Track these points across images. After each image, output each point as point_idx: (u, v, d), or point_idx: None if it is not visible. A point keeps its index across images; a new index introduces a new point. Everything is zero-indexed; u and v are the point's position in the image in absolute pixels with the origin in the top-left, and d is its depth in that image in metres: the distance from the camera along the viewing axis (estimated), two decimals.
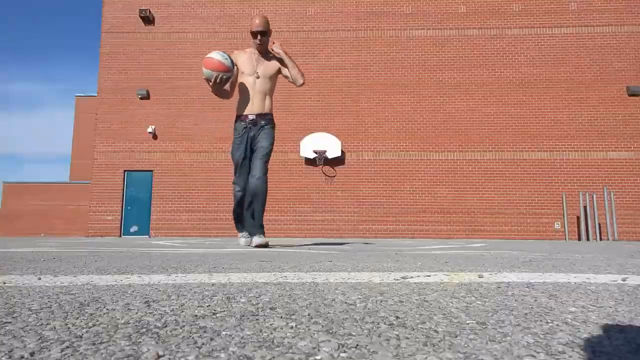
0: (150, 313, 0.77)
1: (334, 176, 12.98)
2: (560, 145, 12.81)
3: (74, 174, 27.04)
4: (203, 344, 0.57)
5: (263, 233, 4.00)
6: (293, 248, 3.82)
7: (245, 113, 4.08)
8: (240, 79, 4.13)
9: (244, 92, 4.11)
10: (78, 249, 3.53)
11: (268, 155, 4.05)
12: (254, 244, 3.89)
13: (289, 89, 13.63)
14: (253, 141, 4.07)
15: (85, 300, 0.91)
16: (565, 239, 12.13)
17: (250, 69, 4.10)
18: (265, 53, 4.19)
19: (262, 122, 4.08)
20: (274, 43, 4.13)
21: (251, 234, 4.05)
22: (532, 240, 10.52)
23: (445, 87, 13.30)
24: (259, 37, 4.07)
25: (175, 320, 0.72)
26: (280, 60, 4.18)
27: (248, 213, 4.03)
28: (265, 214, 4.20)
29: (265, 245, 3.90)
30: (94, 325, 0.68)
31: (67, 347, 0.55)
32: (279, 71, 4.20)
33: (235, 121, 4.17)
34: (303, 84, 4.16)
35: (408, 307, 0.85)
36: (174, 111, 13.64)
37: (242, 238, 4.29)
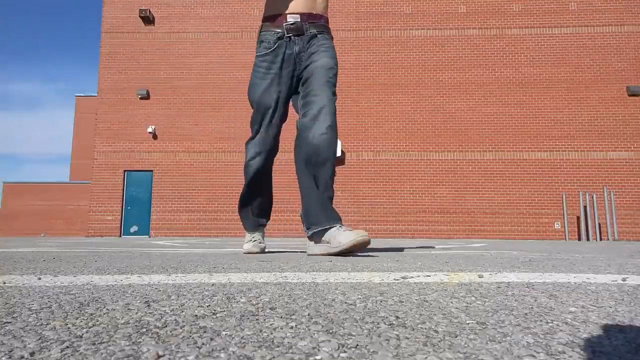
0: (150, 313, 0.77)
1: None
2: (560, 145, 12.82)
3: (74, 174, 27.05)
4: (203, 344, 0.57)
5: (341, 221, 2.27)
6: (300, 249, 3.82)
7: (281, 12, 2.32)
8: None
9: None
10: (78, 249, 3.53)
11: (335, 82, 2.35)
12: (341, 246, 2.10)
13: None
14: (298, 64, 2.34)
15: (85, 300, 0.91)
16: (565, 239, 12.13)
17: None
18: None
19: (314, 30, 2.34)
20: None
21: (319, 225, 2.24)
22: (532, 240, 10.52)
23: (445, 87, 13.30)
24: None
25: (175, 320, 0.72)
26: None
27: (312, 193, 2.31)
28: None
29: (360, 247, 2.14)
30: (94, 325, 0.68)
31: (67, 347, 0.55)
32: None
33: (261, 30, 2.41)
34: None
35: (408, 307, 0.85)
36: (174, 111, 13.64)
37: (251, 242, 2.58)
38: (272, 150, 2.41)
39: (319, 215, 2.21)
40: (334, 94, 2.33)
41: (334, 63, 2.35)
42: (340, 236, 2.08)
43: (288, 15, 2.28)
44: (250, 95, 2.38)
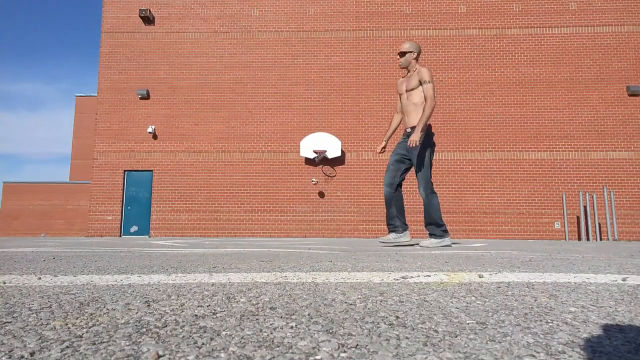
0: (150, 313, 0.77)
1: (334, 176, 12.98)
2: (560, 145, 12.82)
3: (74, 174, 27.05)
4: (203, 343, 0.57)
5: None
6: (300, 249, 3.82)
7: (406, 127, 4.78)
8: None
9: (403, 107, 4.85)
10: (78, 249, 3.52)
11: (424, 172, 4.59)
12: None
13: (289, 89, 13.66)
14: (407, 150, 4.69)
15: (85, 300, 0.91)
16: (565, 238, 12.13)
17: (400, 90, 4.89)
18: (408, 73, 4.83)
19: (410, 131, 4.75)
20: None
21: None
22: (532, 240, 10.52)
23: (445, 87, 13.30)
24: (398, 57, 4.84)
25: (175, 320, 0.72)
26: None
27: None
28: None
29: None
30: (94, 325, 0.68)
31: (67, 347, 0.55)
32: (419, 83, 4.68)
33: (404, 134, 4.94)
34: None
35: (408, 307, 0.85)
36: (174, 111, 13.64)
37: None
38: (391, 185, 4.75)
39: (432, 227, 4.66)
40: (426, 181, 4.62)
41: (419, 160, 4.62)
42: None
43: (407, 128, 4.74)
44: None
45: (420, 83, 4.62)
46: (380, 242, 4.60)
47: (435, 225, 4.50)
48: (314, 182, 12.82)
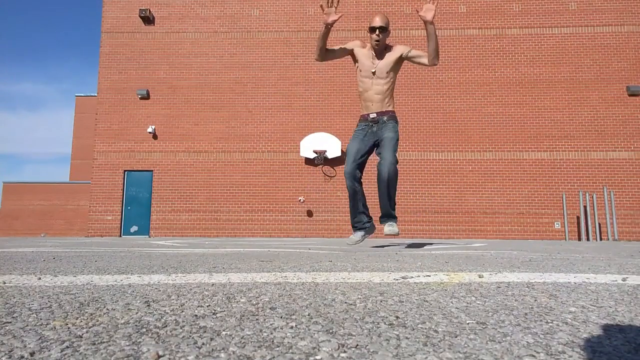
0: (150, 313, 0.77)
1: (334, 176, 12.98)
2: (560, 145, 12.81)
3: (74, 174, 27.04)
4: (203, 344, 0.57)
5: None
6: (300, 249, 3.82)
7: (366, 112, 4.06)
8: (358, 77, 4.10)
9: (363, 92, 4.07)
10: (78, 249, 3.52)
11: (396, 145, 3.92)
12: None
13: (289, 89, 13.65)
14: (376, 137, 4.02)
15: (85, 300, 0.91)
16: (565, 238, 12.13)
17: (368, 67, 4.01)
18: (381, 51, 4.02)
19: (384, 118, 4.00)
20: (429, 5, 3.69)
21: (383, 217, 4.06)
22: (532, 240, 10.52)
23: (445, 87, 13.30)
24: (377, 32, 3.90)
25: (175, 320, 0.72)
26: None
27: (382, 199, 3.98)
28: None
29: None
30: (94, 325, 0.68)
31: (67, 347, 0.55)
32: (399, 62, 3.99)
33: (358, 122, 4.18)
34: (435, 64, 3.87)
35: (408, 307, 0.85)
36: (174, 111, 13.64)
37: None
38: (355, 177, 4.09)
39: (391, 209, 3.98)
40: (394, 151, 3.90)
41: (394, 136, 3.96)
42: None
43: (370, 114, 4.06)
44: (348, 146, 4.16)
45: (402, 57, 3.93)
46: (349, 244, 4.12)
47: (392, 209, 3.97)
48: (300, 201, 12.82)
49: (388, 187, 3.87)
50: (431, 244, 5.75)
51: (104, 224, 13.22)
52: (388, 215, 3.97)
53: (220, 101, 13.62)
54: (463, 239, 12.03)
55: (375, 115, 4.00)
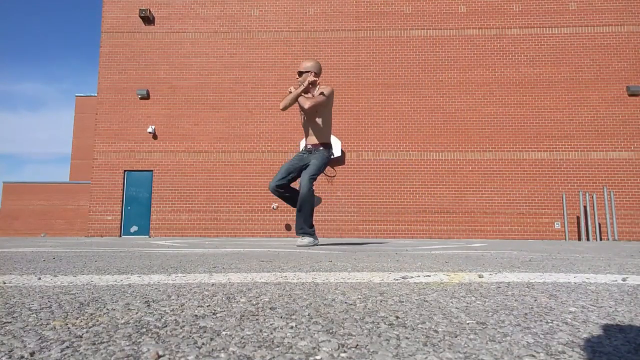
0: (150, 313, 0.77)
1: (334, 176, 12.98)
2: (560, 145, 12.82)
3: (74, 174, 27.04)
4: (203, 344, 0.57)
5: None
6: (299, 248, 3.82)
7: (306, 145, 4.95)
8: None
9: (304, 126, 5.01)
10: (78, 249, 3.52)
11: (315, 172, 4.66)
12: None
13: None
14: (306, 160, 4.81)
15: (85, 300, 0.91)
16: (565, 238, 12.13)
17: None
18: (306, 92, 4.84)
19: (313, 149, 4.86)
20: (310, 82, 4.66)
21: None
22: (532, 240, 10.52)
23: (445, 87, 13.30)
24: (297, 76, 4.84)
25: (175, 320, 0.72)
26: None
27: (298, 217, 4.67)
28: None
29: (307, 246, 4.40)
30: (94, 325, 0.68)
31: (67, 347, 0.55)
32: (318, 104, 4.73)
33: (302, 148, 5.06)
34: (306, 109, 4.70)
35: (408, 307, 0.85)
36: (174, 111, 13.64)
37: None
38: (279, 190, 4.75)
39: (301, 226, 4.60)
40: (311, 177, 4.59)
41: (317, 163, 4.71)
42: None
43: (307, 145, 4.91)
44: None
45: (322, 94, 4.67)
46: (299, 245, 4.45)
47: (308, 225, 4.55)
48: (273, 208, 12.80)
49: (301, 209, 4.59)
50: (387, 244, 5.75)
51: (104, 224, 13.22)
52: (299, 229, 4.60)
53: (220, 101, 13.63)
54: (463, 239, 12.03)
55: (310, 147, 4.90)
